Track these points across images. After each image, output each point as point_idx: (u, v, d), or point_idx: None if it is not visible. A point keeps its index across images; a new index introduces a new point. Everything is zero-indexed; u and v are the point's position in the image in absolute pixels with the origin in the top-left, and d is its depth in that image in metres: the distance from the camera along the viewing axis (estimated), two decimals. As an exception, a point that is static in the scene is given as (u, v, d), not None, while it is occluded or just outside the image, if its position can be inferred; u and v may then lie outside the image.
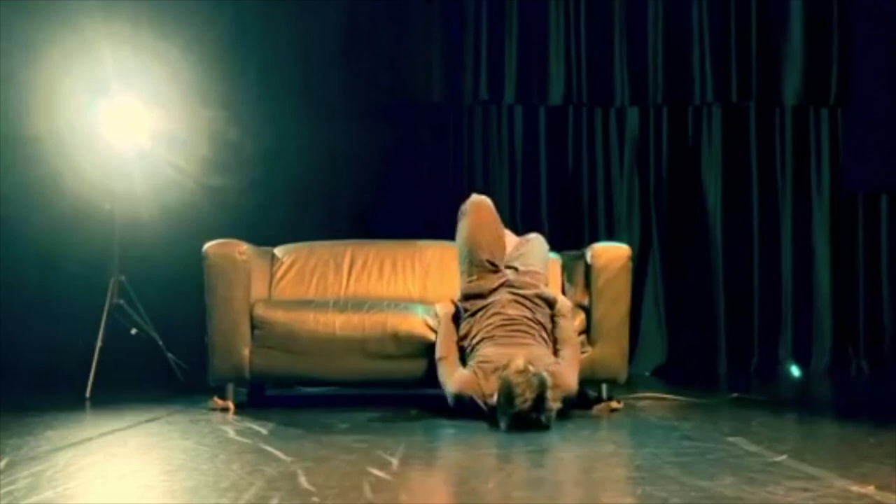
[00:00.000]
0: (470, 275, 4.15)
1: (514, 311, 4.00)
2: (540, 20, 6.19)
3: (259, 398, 4.60)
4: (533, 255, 4.32)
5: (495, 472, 2.84)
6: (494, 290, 4.07)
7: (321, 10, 6.05)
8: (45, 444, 3.22)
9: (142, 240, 5.48)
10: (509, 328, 3.95)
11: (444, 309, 4.14)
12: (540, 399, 3.45)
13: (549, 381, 3.52)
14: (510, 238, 4.47)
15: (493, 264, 4.15)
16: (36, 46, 5.54)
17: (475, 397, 3.71)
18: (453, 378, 3.86)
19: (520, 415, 3.45)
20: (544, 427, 3.47)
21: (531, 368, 3.52)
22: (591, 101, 6.24)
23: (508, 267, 4.20)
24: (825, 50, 6.20)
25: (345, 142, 6.09)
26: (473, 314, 4.03)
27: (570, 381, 3.81)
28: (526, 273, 4.16)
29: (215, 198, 5.70)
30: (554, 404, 3.53)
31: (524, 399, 3.44)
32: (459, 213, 4.35)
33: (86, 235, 5.53)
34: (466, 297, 4.10)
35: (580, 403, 4.04)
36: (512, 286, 4.08)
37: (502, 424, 3.49)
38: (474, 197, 4.37)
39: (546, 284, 4.25)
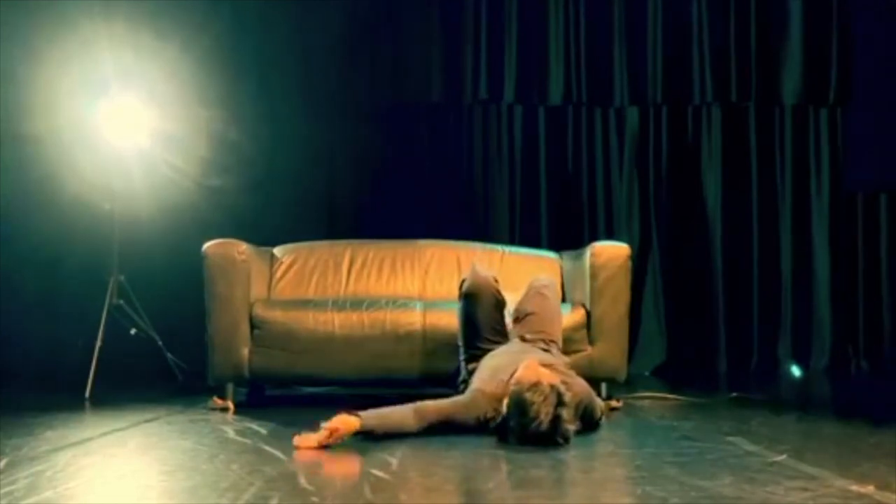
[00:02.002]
0: (469, 361, 3.86)
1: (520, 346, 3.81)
2: (540, 20, 6.18)
3: (259, 398, 4.60)
4: (546, 317, 3.97)
5: (495, 472, 2.84)
6: None
7: (321, 10, 6.05)
8: (45, 444, 3.22)
9: (141, 240, 5.50)
10: (516, 347, 3.80)
11: None
12: (556, 420, 3.09)
13: (567, 396, 3.15)
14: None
15: (493, 341, 3.86)
16: (36, 46, 5.54)
17: (486, 416, 3.33)
18: (437, 402, 3.46)
19: (532, 435, 3.11)
20: (560, 445, 3.11)
21: (545, 382, 3.13)
22: (590, 101, 6.23)
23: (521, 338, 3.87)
24: (825, 50, 6.19)
25: (345, 142, 6.09)
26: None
27: (583, 386, 3.49)
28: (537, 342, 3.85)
29: (215, 198, 5.71)
30: (570, 426, 3.14)
31: (539, 422, 3.08)
32: (459, 288, 4.03)
33: (86, 235, 5.54)
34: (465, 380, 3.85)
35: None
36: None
37: (512, 440, 3.18)
38: (472, 282, 3.95)
39: (558, 346, 3.95)
